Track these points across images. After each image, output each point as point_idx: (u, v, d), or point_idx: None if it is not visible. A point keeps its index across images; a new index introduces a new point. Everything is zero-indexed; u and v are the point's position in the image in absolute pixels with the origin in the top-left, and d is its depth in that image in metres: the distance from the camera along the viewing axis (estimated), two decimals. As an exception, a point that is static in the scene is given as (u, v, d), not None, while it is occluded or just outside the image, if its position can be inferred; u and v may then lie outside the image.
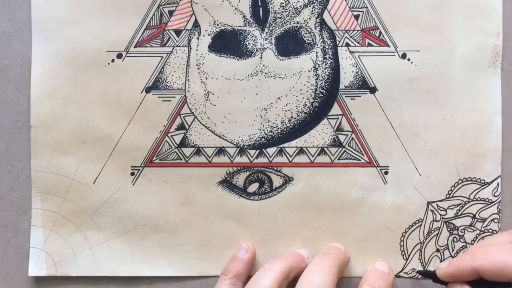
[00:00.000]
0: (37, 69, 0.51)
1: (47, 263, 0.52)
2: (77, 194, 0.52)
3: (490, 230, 0.52)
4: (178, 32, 0.52)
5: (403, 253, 0.52)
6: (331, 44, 0.52)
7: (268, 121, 0.52)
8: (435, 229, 0.52)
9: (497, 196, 0.52)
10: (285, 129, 0.52)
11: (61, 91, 0.51)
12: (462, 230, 0.52)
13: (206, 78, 0.51)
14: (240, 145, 0.52)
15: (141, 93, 0.51)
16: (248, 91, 0.51)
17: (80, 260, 0.52)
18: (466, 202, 0.52)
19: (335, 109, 0.52)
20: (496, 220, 0.52)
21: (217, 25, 0.51)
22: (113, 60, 0.51)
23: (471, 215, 0.52)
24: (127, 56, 0.51)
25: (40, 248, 0.51)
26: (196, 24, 0.51)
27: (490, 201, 0.52)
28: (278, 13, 0.51)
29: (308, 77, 0.52)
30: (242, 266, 0.50)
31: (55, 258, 0.52)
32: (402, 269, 0.52)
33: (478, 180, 0.52)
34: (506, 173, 0.52)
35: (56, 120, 0.51)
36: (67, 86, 0.51)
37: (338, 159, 0.52)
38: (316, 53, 0.51)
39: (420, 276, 0.52)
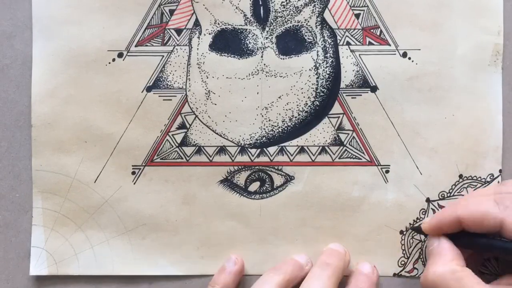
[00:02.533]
0: (38, 68, 0.51)
1: (48, 262, 0.52)
2: (78, 193, 0.52)
3: (491, 229, 0.52)
4: (178, 31, 0.52)
5: (404, 251, 0.52)
6: (332, 43, 0.52)
7: (269, 120, 0.52)
8: (436, 228, 0.52)
9: (498, 194, 0.52)
10: (286, 128, 0.52)
11: (62, 90, 0.51)
12: (463, 229, 0.52)
13: (207, 77, 0.51)
14: (241, 144, 0.52)
15: (142, 92, 0.51)
16: (249, 90, 0.51)
17: (81, 259, 0.52)
18: (467, 201, 0.52)
19: (336, 108, 0.52)
20: (497, 219, 0.52)
21: (218, 24, 0.51)
22: (113, 59, 0.51)
23: (472, 214, 0.52)
24: (128, 55, 0.51)
25: (41, 247, 0.51)
26: (196, 23, 0.51)
27: (491, 199, 0.52)
28: (279, 12, 0.51)
29: (309, 76, 0.52)
30: (230, 278, 0.50)
31: (56, 257, 0.52)
32: (404, 268, 0.52)
33: (479, 179, 0.52)
34: (507, 172, 0.52)
35: (57, 119, 0.51)
36: (67, 86, 0.51)
37: (339, 158, 0.52)
38: (317, 52, 0.51)
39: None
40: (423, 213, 0.52)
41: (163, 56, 0.51)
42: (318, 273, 0.47)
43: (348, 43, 0.52)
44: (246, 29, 0.51)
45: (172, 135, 0.52)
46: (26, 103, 0.51)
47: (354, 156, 0.52)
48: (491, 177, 0.52)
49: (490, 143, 0.52)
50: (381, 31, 0.51)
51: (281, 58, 0.51)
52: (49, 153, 0.51)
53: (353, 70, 0.52)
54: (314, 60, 0.51)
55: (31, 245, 0.52)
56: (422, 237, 0.52)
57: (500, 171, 0.52)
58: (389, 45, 0.51)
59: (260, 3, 0.51)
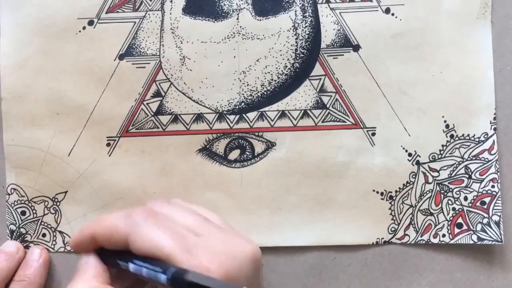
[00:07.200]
0: (6, 39, 0.49)
1: (25, 241, 0.50)
2: (52, 168, 0.50)
3: (490, 192, 0.49)
4: (150, -5, 0.50)
5: (394, 218, 0.49)
6: (311, 2, 0.49)
7: (248, 85, 0.49)
8: (428, 192, 0.49)
9: (493, 154, 0.49)
10: (265, 92, 0.49)
11: (32, 61, 0.49)
12: (458, 192, 0.49)
13: (181, 42, 0.49)
14: (219, 110, 0.50)
15: (114, 60, 0.49)
16: (225, 54, 0.49)
17: (58, 236, 0.50)
18: (460, 162, 0.49)
19: (317, 70, 0.49)
20: (495, 180, 0.49)
21: (191, -14, 0.49)
22: (84, 28, 0.49)
23: (467, 176, 0.49)
24: (99, 23, 0.49)
25: (17, 225, 0.50)
26: (168, -13, 0.49)
27: (487, 160, 0.49)
28: (254, -29, 0.49)
29: (288, 37, 0.49)
30: (37, 272, 0.48)
31: (33, 235, 0.50)
32: (394, 235, 0.49)
33: (472, 138, 0.49)
34: (502, 130, 0.49)
35: (28, 91, 0.49)
36: (37, 56, 0.49)
37: (322, 121, 0.49)
38: (295, 11, 0.49)
39: (413, 242, 0.49)
40: (413, 176, 0.49)
41: (135, 22, 0.49)
42: None
43: (327, 1, 0.49)
44: (220, -9, 0.49)
45: (147, 103, 0.50)
46: (-5, 75, 0.50)
47: (338, 119, 0.49)
48: (485, 136, 0.49)
49: (482, 100, 0.49)
50: (361, -13, 0.49)
51: (257, 20, 0.49)
52: (20, 127, 0.50)
53: (333, 29, 0.49)
54: (292, 20, 0.49)
55: (7, 223, 0.50)
56: (414, 202, 0.49)
57: (495, 129, 0.49)
58: (371, 1, 0.49)
59: (234, -38, 0.49)
